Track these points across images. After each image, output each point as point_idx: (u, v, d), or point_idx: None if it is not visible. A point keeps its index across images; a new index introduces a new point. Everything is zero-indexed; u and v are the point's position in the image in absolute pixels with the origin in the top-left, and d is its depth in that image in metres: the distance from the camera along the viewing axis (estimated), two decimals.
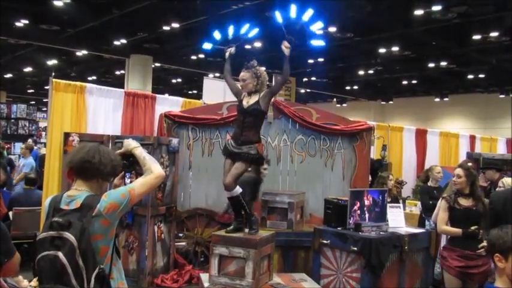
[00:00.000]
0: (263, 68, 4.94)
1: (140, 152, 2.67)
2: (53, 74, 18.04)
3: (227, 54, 5.06)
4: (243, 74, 4.83)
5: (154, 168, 2.58)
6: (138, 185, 2.50)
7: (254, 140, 4.78)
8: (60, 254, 2.20)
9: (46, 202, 2.49)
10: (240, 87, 4.90)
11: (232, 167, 4.78)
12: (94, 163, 2.43)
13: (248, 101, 4.81)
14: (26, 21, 13.44)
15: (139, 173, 2.65)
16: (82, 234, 2.24)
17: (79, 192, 2.42)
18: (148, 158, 2.65)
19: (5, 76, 23.62)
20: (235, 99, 5.12)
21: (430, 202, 6.29)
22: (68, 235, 2.23)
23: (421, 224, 6.76)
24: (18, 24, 13.65)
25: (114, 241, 2.44)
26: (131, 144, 2.70)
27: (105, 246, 2.37)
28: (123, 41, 15.06)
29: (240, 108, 4.84)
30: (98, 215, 2.32)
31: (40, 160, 10.68)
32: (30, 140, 12.47)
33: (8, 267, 2.55)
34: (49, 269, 2.22)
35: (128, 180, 2.78)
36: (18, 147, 12.28)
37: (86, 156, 2.43)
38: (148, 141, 5.58)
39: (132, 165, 2.70)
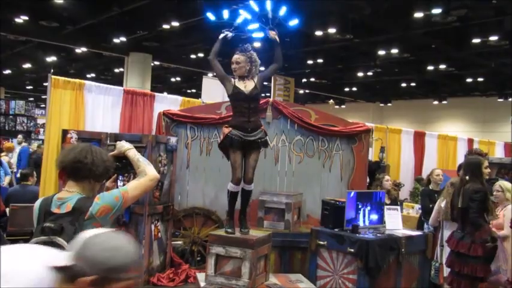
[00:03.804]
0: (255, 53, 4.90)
1: (134, 154, 2.61)
2: (52, 70, 18.00)
3: (222, 35, 4.91)
4: (238, 57, 4.76)
5: (148, 171, 2.53)
6: (131, 188, 2.45)
7: (261, 124, 4.87)
8: None
9: (36, 205, 2.42)
10: (233, 70, 4.81)
11: (242, 159, 4.76)
12: (86, 163, 2.36)
13: (245, 86, 4.77)
14: (26, 18, 13.42)
15: (135, 175, 2.61)
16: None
17: (70, 194, 2.36)
18: (142, 160, 2.60)
19: (3, 72, 23.57)
20: None
21: (430, 205, 6.28)
22: (61, 240, 2.18)
23: (419, 226, 6.76)
24: (17, 20, 13.62)
25: None
26: (124, 146, 2.65)
27: None
28: (123, 38, 15.04)
29: (243, 95, 4.75)
30: (90, 218, 2.27)
31: (29, 157, 10.65)
32: (20, 136, 12.42)
33: None
34: None
35: (120, 183, 2.72)
36: (15, 143, 12.25)
37: (78, 156, 2.37)
38: (141, 144, 5.53)
39: (125, 168, 2.65)
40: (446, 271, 5.58)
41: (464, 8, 10.68)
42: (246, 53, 4.78)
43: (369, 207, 5.39)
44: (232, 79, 4.85)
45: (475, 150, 6.57)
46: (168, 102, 7.29)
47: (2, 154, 9.98)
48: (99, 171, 2.42)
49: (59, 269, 1.40)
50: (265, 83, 5.62)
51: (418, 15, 11.21)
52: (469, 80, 19.84)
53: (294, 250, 5.80)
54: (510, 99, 20.96)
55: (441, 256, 5.71)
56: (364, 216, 5.33)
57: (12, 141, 12.49)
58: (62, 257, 1.43)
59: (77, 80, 6.53)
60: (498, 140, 13.84)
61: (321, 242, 5.15)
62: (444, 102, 23.63)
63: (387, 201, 6.38)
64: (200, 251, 6.45)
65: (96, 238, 1.45)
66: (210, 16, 5.12)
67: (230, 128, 4.77)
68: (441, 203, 5.77)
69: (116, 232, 1.51)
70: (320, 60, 17.34)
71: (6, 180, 8.71)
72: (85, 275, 1.39)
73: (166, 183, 6.09)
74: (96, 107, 6.61)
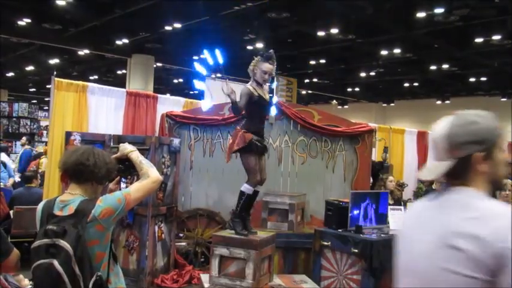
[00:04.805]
0: None
1: (136, 156, 2.61)
2: (55, 73, 18.05)
3: (232, 93, 4.65)
4: (271, 68, 4.80)
5: (151, 173, 2.53)
6: (134, 190, 2.44)
7: None
8: (56, 262, 2.15)
9: (39, 208, 2.42)
10: (263, 80, 4.83)
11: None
12: (88, 165, 2.36)
13: (265, 94, 4.86)
14: (28, 20, 13.44)
15: (138, 177, 2.61)
16: (77, 241, 2.19)
17: (72, 196, 2.36)
18: (145, 162, 2.59)
19: (6, 75, 23.64)
20: (236, 99, 5.07)
21: None
22: (63, 243, 2.18)
23: None
24: (20, 22, 13.65)
25: (110, 246, 2.39)
26: (127, 148, 2.64)
27: (101, 252, 2.32)
28: (125, 40, 15.06)
29: (266, 102, 4.90)
30: (92, 220, 2.26)
31: (34, 159, 10.68)
32: (24, 138, 12.47)
33: (7, 264, 2.53)
34: (44, 278, 2.18)
35: (123, 185, 2.72)
36: (19, 145, 12.29)
37: (80, 159, 2.37)
38: (144, 146, 5.53)
39: (127, 170, 2.64)
40: None
41: (466, 8, 10.65)
42: (275, 61, 4.85)
43: (372, 208, 5.38)
44: (252, 89, 4.80)
45: None
46: (170, 104, 7.30)
47: (42, 157, 10.08)
48: (102, 174, 2.42)
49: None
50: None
51: (421, 15, 11.19)
52: (472, 79, 19.79)
53: (297, 251, 5.80)
54: None
55: None
56: (367, 216, 5.33)
57: (15, 144, 12.54)
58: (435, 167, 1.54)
59: (80, 82, 6.54)
60: None
61: (325, 243, 5.14)
62: (447, 102, 23.57)
63: (391, 201, 6.38)
64: (204, 252, 6.45)
65: (456, 126, 1.56)
66: (201, 70, 5.20)
67: (251, 134, 4.78)
68: None
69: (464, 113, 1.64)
70: (322, 61, 17.33)
71: (10, 182, 8.75)
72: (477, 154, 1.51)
73: (170, 185, 6.10)
74: (99, 109, 6.62)
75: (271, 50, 4.84)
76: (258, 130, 4.83)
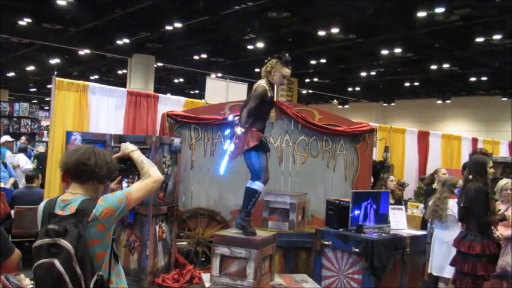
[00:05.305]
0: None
1: (138, 156, 2.61)
2: (56, 73, 18.05)
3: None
4: (289, 72, 4.93)
5: (152, 172, 2.53)
6: (135, 189, 2.44)
7: None
8: (57, 262, 2.16)
9: (40, 207, 2.42)
10: (280, 83, 5.03)
11: None
12: (89, 165, 2.36)
13: (272, 94, 4.92)
14: (29, 20, 13.47)
15: (139, 176, 2.61)
16: (79, 241, 2.20)
17: (73, 196, 2.36)
18: (146, 161, 2.60)
19: (7, 75, 23.67)
20: (237, 99, 5.11)
21: None
22: (64, 242, 2.18)
23: (423, 226, 6.75)
24: (21, 22, 13.68)
25: (111, 245, 2.39)
26: (129, 147, 2.64)
27: (102, 252, 2.32)
28: (126, 40, 15.07)
29: (274, 103, 5.03)
30: (93, 220, 2.27)
31: (36, 158, 10.70)
32: (23, 138, 12.45)
33: (8, 264, 2.53)
34: (46, 277, 2.18)
35: (125, 185, 2.72)
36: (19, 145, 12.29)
37: (81, 158, 2.37)
38: (145, 146, 5.51)
39: (129, 169, 2.65)
40: (431, 268, 5.67)
41: (467, 7, 10.66)
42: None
43: (373, 207, 5.39)
44: (267, 88, 4.82)
45: (480, 150, 6.57)
46: (171, 103, 7.29)
47: None
48: (103, 173, 2.42)
49: None
50: None
51: (421, 14, 11.19)
52: (472, 79, 19.79)
53: (298, 250, 5.79)
54: None
55: (427, 253, 5.77)
56: (368, 216, 5.33)
57: (16, 144, 12.54)
58: None
59: (81, 82, 6.54)
60: (502, 139, 13.78)
61: (326, 242, 5.14)
62: (448, 101, 23.57)
63: (391, 201, 6.38)
64: (205, 251, 6.45)
65: None
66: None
67: (260, 132, 4.79)
68: (429, 202, 5.87)
69: None
70: (323, 60, 17.33)
71: (10, 182, 8.76)
72: None
73: (171, 184, 6.10)
74: (100, 109, 6.62)
75: (287, 54, 4.87)
76: (263, 129, 4.87)
